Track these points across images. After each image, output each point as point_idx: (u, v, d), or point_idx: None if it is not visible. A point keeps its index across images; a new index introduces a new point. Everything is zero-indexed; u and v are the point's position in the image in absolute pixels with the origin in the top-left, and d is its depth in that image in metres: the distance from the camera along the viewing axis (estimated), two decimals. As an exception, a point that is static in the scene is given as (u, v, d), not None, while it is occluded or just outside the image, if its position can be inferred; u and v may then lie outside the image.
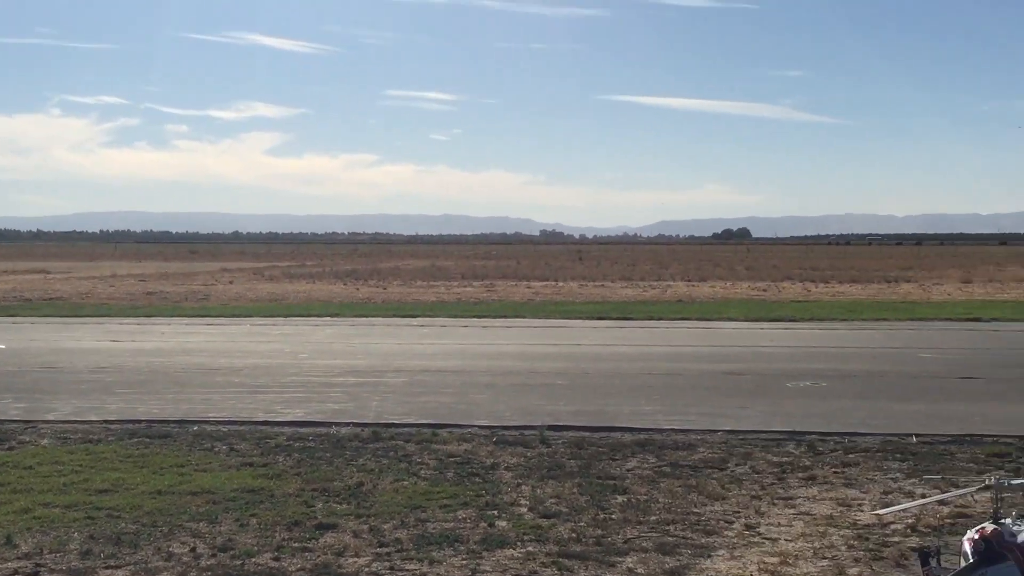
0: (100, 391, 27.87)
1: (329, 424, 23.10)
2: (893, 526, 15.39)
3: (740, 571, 13.47)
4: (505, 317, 52.27)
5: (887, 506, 15.72)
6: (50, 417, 23.92)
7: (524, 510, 16.24)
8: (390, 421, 23.44)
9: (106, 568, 13.44)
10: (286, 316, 53.17)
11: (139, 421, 23.39)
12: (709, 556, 14.06)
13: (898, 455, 20.14)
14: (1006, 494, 10.57)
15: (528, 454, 20.15)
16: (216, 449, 20.57)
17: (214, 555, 13.95)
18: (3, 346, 35.77)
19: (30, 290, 74.01)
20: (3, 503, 16.39)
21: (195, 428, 22.63)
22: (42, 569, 13.38)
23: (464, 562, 13.71)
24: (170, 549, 14.20)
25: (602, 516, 15.92)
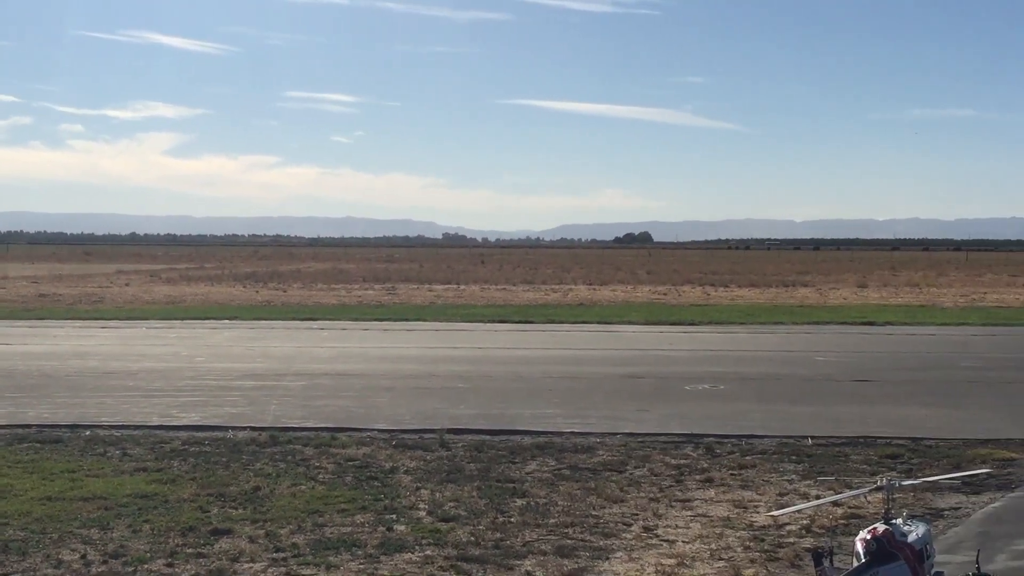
0: (-11, 395, 27.19)
1: (226, 428, 22.79)
2: (788, 527, 15.59)
3: (638, 573, 13.53)
4: (406, 320, 52.06)
5: (783, 507, 15.89)
6: (-64, 422, 23.28)
7: (423, 514, 16.16)
8: (288, 425, 23.21)
9: (-8, 576, 13.10)
10: (183, 319, 52.40)
11: (29, 426, 22.86)
12: (607, 558, 14.11)
13: (794, 457, 20.42)
14: (897, 495, 10.75)
15: (428, 458, 20.07)
16: (109, 454, 20.19)
17: (105, 562, 13.68)
18: None
19: (-82, 292, 72.06)
20: None
21: (87, 433, 22.18)
22: (-75, 578, 13.02)
23: (362, 566, 13.60)
24: (60, 556, 13.88)
25: (501, 519, 15.90)
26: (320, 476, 18.55)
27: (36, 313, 55.44)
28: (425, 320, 52.38)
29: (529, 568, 13.65)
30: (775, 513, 13.41)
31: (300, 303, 64.46)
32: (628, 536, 15.18)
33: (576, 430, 22.91)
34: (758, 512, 16.49)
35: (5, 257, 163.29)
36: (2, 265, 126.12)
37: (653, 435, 22.47)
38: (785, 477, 18.94)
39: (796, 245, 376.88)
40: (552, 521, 15.84)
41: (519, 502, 16.94)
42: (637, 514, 16.36)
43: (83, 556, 13.88)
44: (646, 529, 15.53)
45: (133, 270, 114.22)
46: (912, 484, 10.40)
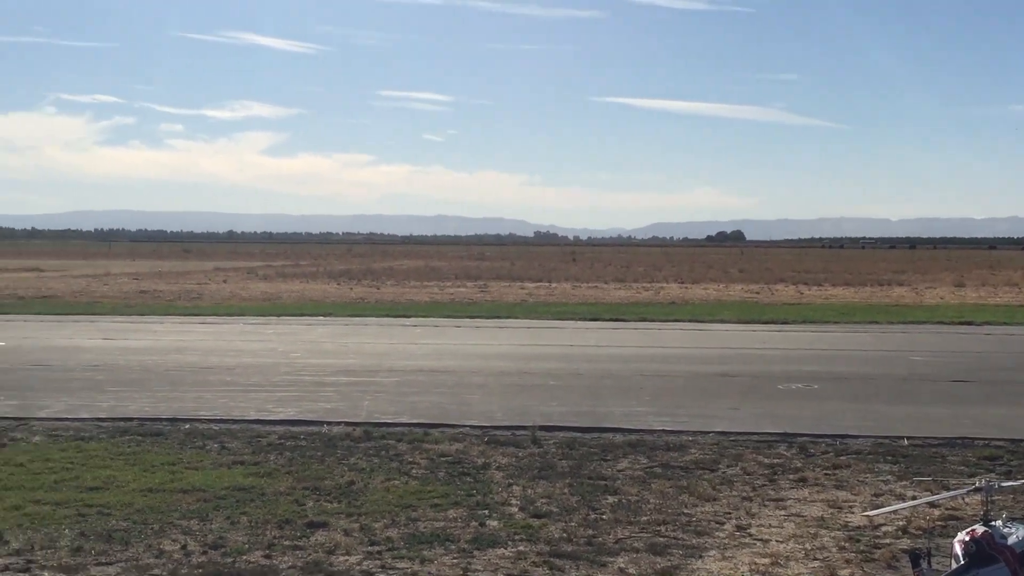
0: (92, 389, 27.84)
1: (321, 423, 23.09)
2: (884, 528, 15.42)
3: (731, 572, 13.48)
4: (498, 318, 52.27)
5: (878, 508, 15.73)
6: (42, 414, 23.89)
7: (515, 510, 16.25)
8: (382, 420, 23.44)
9: (97, 565, 13.43)
10: (279, 315, 53.13)
11: (131, 419, 23.36)
12: (700, 556, 14.07)
13: (889, 457, 20.17)
14: (996, 496, 10.60)
15: (519, 454, 20.16)
16: (208, 447, 20.56)
17: (205, 552, 13.95)
18: (2, 343, 35.62)
19: (24, 288, 73.88)
20: (-6, 500, 16.37)
21: (187, 426, 22.62)
22: (33, 565, 13.37)
23: (455, 561, 13.72)
24: (161, 546, 14.19)
25: (593, 516, 15.93)
26: (413, 471, 18.72)
27: (137, 309, 56.61)
28: (517, 317, 52.54)
29: (622, 565, 13.67)
30: (871, 513, 13.25)
31: (393, 300, 64.99)
32: (721, 535, 15.12)
33: (668, 428, 22.86)
34: (853, 512, 16.33)
35: (108, 254, 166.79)
36: (105, 262, 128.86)
37: (746, 434, 22.34)
38: (880, 478, 18.72)
39: (891, 244, 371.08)
40: (644, 519, 15.84)
41: (611, 499, 16.96)
42: (730, 513, 16.29)
43: (183, 547, 14.18)
44: (739, 528, 15.46)
45: (230, 267, 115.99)
46: (1012, 486, 10.23)
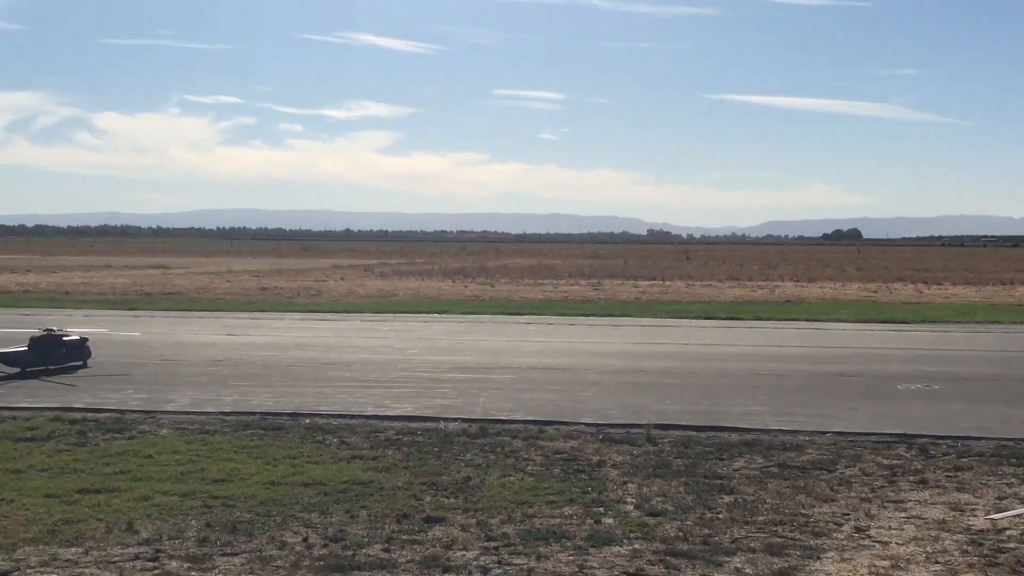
0: (216, 383, 28.50)
1: (437, 419, 23.36)
2: (1009, 532, 15.15)
3: (850, 573, 13.38)
4: (612, 316, 52.25)
5: (1002, 511, 15.49)
6: (169, 408, 24.54)
7: (630, 508, 16.30)
8: (497, 417, 23.62)
9: (223, 555, 13.80)
10: (395, 312, 53.76)
11: (253, 413, 23.88)
12: (818, 558, 13.98)
13: (1013, 460, 19.77)
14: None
15: (634, 452, 20.19)
16: (327, 442, 20.94)
17: (326, 545, 14.24)
18: (138, 333, 36.56)
19: (150, 285, 75.76)
20: (124, 490, 16.89)
21: (307, 421, 23.05)
22: (161, 555, 13.79)
23: (571, 558, 13.82)
24: (283, 538, 14.52)
25: (709, 515, 15.91)
26: (529, 468, 18.87)
27: (258, 305, 57.72)
28: (630, 316, 52.47)
29: (739, 565, 13.65)
30: (995, 516, 13.06)
31: (507, 298, 65.28)
32: (839, 536, 15.00)
33: (784, 427, 22.69)
34: (975, 515, 16.06)
35: (230, 252, 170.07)
36: (227, 260, 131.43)
37: (864, 434, 22.08)
38: (1004, 481, 18.37)
39: (1014, 242, 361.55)
40: (761, 519, 15.78)
41: (727, 499, 16.92)
42: (848, 514, 16.14)
43: (305, 539, 14.49)
44: (858, 529, 15.32)
45: (348, 265, 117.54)
46: None
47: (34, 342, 31.02)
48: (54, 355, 30.94)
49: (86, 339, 32.27)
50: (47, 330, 31.85)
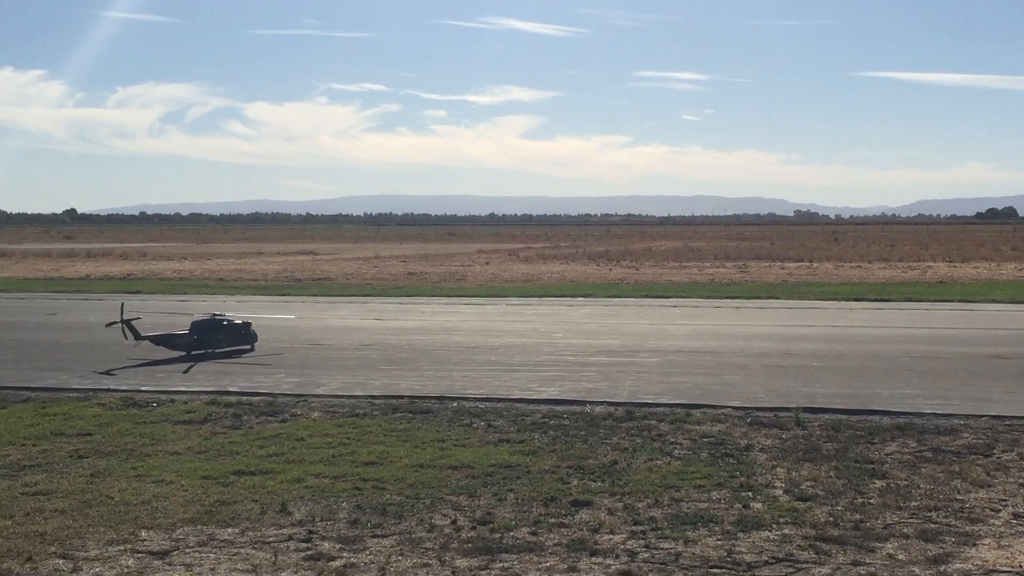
0: (365, 367, 28.97)
1: (583, 403, 23.38)
2: None
3: (1008, 560, 13.03)
4: (759, 298, 51.65)
5: None
6: (319, 392, 25.04)
7: (779, 492, 16.11)
8: (644, 401, 23.55)
9: (373, 536, 14.04)
10: (540, 296, 53.93)
11: (401, 397, 24.23)
12: (974, 544, 13.65)
13: None
14: None
15: (783, 436, 19.95)
16: (474, 425, 21.13)
17: (474, 528, 14.38)
18: (292, 316, 37.23)
19: (300, 270, 77.31)
20: (278, 472, 17.30)
21: (454, 404, 23.28)
22: (314, 536, 14.09)
23: (719, 542, 13.72)
24: (432, 521, 14.71)
25: (860, 500, 15.64)
26: (676, 451, 18.78)
27: (405, 290, 58.49)
28: (777, 298, 51.78)
29: (891, 551, 13.39)
30: None
31: (652, 281, 65.02)
32: (996, 522, 14.61)
33: (938, 411, 22.17)
34: None
35: (376, 238, 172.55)
36: (375, 245, 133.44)
37: (1022, 418, 21.45)
38: None
39: None
40: (914, 504, 15.45)
41: (879, 483, 16.60)
42: (1006, 500, 15.71)
43: (453, 521, 14.66)
44: (1016, 516, 14.90)
45: (492, 249, 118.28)
46: None
47: (195, 326, 31.93)
48: (215, 339, 31.79)
49: (249, 323, 33.04)
50: (212, 315, 32.74)
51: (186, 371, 28.63)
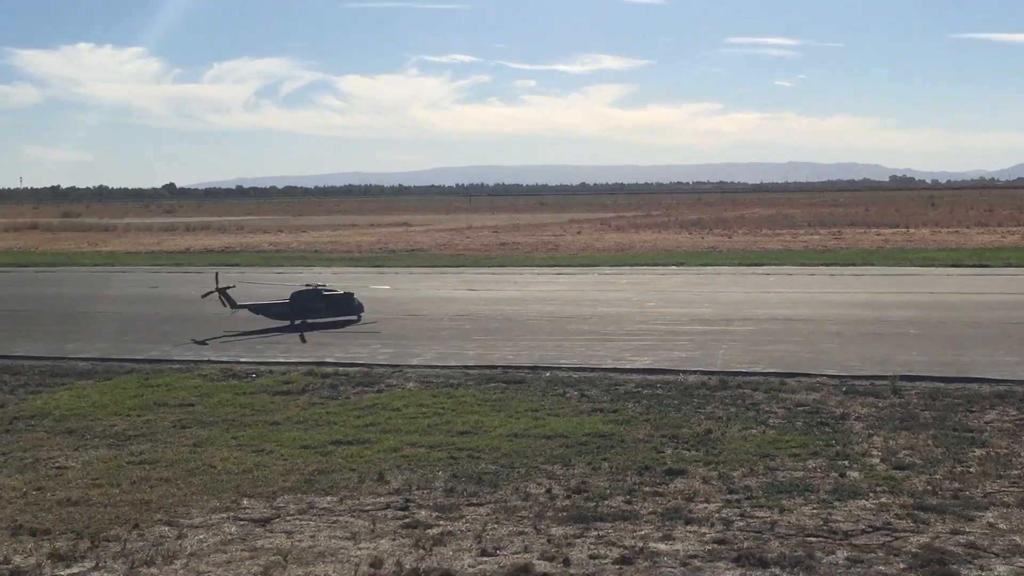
0: (459, 338, 29.19)
1: (677, 372, 23.35)
2: None
3: (1110, 530, 12.82)
4: (853, 265, 51.03)
5: None
6: (414, 362, 25.29)
7: (876, 461, 15.99)
8: (737, 369, 23.46)
9: (469, 505, 14.21)
10: (632, 265, 53.83)
11: (495, 367, 24.39)
12: (1076, 513, 13.44)
13: None
14: None
15: (879, 404, 19.76)
16: (568, 395, 21.22)
17: (569, 496, 14.49)
18: (387, 286, 37.60)
19: (394, 242, 77.91)
20: (375, 442, 17.56)
21: (548, 374, 23.39)
22: (411, 504, 14.29)
23: (815, 511, 13.67)
24: (527, 490, 14.84)
25: (959, 469, 15.47)
26: (770, 420, 18.71)
27: (497, 261, 58.71)
28: (873, 265, 51.12)
29: (991, 520, 13.24)
30: None
31: (745, 249, 64.52)
32: (1099, 491, 14.37)
33: (1040, 379, 21.79)
34: None
35: (468, 208, 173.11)
36: (467, 216, 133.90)
37: None
38: None
39: None
40: (1015, 472, 15.25)
41: (978, 452, 16.40)
42: (1109, 469, 15.43)
43: (548, 490, 14.78)
44: (1119, 484, 14.64)
45: (584, 219, 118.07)
46: None
47: (295, 297, 32.39)
48: (315, 309, 32.19)
49: (351, 294, 33.39)
50: (311, 286, 33.18)
51: (282, 343, 29.06)
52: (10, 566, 12.18)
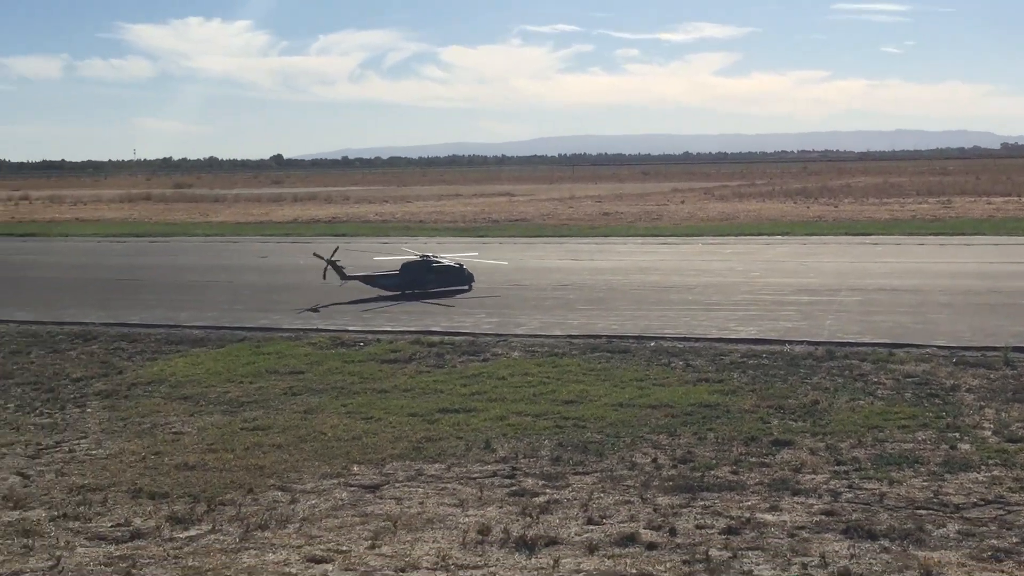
0: (563, 307, 29.28)
1: (783, 342, 23.20)
2: None
3: None
4: (963, 235, 50.08)
5: None
6: (519, 331, 25.44)
7: (988, 433, 15.78)
8: (844, 340, 23.24)
9: (575, 474, 14.32)
10: (737, 235, 53.43)
11: (599, 336, 24.44)
12: None
13: None
14: None
15: (991, 376, 19.46)
16: (673, 365, 21.21)
17: (675, 466, 14.53)
18: (505, 262, 37.76)
19: (497, 212, 78.13)
20: (480, 410, 17.75)
21: (652, 344, 23.39)
22: (518, 472, 14.45)
23: (925, 483, 13.55)
24: (633, 459, 14.92)
25: (1074, 442, 15.20)
26: (878, 392, 18.53)
27: (601, 231, 58.65)
28: (984, 234, 50.15)
29: (1105, 494, 13.01)
30: None
31: (851, 218, 63.63)
32: None
33: None
34: None
35: (571, 178, 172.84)
36: (570, 186, 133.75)
37: None
38: None
39: None
40: None
41: (1093, 426, 16.10)
42: None
43: (654, 460, 14.84)
44: None
45: (687, 188, 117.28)
46: None
47: (406, 268, 32.74)
48: (424, 279, 32.50)
49: (462, 265, 33.63)
50: (422, 256, 33.48)
51: (388, 312, 29.39)
52: (130, 528, 12.59)
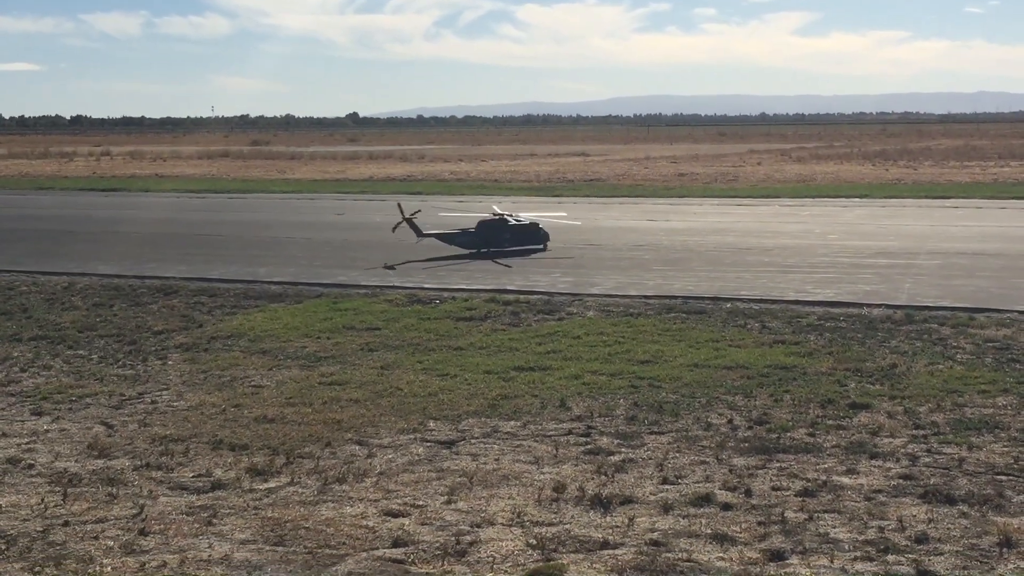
0: (638, 267, 29.22)
1: (860, 305, 22.99)
2: None
3: None
4: (1049, 199, 49.17)
5: None
6: (594, 291, 25.44)
7: (1071, 400, 15.55)
8: (923, 304, 22.98)
9: (650, 434, 14.34)
10: (814, 197, 52.91)
11: (675, 297, 24.38)
12: None
13: None
14: None
15: (1075, 343, 19.14)
16: (749, 326, 21.11)
17: (750, 427, 14.50)
18: (579, 222, 37.67)
19: (571, 172, 77.98)
20: (556, 369, 17.80)
21: (728, 305, 23.29)
22: (593, 431, 14.49)
23: (1005, 449, 13.40)
24: (708, 419, 14.90)
25: None
26: (958, 356, 18.32)
27: (676, 191, 58.36)
28: (1071, 199, 49.16)
29: None
30: None
31: (931, 181, 62.70)
32: None
33: None
34: None
35: (646, 138, 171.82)
36: (645, 146, 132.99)
37: None
38: None
39: None
40: None
41: None
42: None
43: (729, 421, 14.81)
44: None
45: (764, 149, 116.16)
46: None
47: (482, 226, 32.83)
48: (500, 238, 32.58)
49: (538, 224, 33.66)
50: (498, 215, 33.54)
51: (464, 270, 29.48)
52: (211, 478, 12.81)
